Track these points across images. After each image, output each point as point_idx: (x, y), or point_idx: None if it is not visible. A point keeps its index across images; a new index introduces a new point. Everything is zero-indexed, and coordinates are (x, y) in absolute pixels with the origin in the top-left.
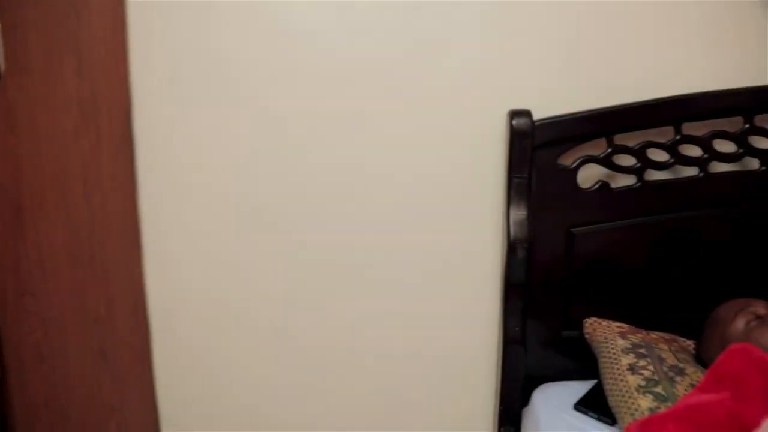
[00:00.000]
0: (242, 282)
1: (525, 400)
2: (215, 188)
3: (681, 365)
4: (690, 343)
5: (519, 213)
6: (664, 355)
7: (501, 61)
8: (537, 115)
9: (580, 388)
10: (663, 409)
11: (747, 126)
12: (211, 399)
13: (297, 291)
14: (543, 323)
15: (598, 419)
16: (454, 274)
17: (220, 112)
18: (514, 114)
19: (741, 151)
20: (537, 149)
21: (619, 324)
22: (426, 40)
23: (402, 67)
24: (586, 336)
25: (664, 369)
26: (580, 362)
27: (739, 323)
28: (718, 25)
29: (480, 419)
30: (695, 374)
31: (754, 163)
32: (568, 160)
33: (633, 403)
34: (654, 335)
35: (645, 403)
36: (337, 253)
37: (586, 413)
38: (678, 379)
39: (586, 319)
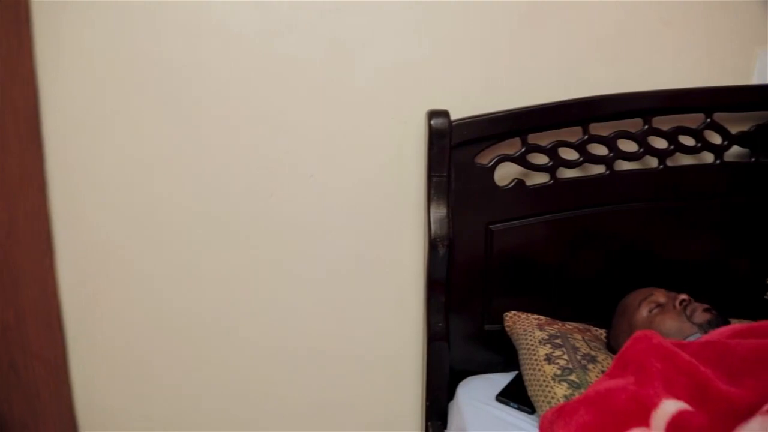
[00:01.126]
0: (161, 285)
1: (451, 395)
2: (130, 189)
3: (593, 353)
4: (602, 332)
5: (439, 211)
6: (578, 345)
7: (420, 62)
8: (455, 116)
9: (502, 380)
10: (576, 396)
11: (646, 127)
12: (133, 408)
13: (219, 292)
14: (466, 318)
15: (519, 409)
16: (379, 273)
17: (134, 112)
18: (433, 114)
19: (642, 150)
20: (455, 149)
21: (537, 316)
22: (346, 40)
23: (322, 66)
24: (507, 329)
25: (578, 357)
26: (503, 355)
27: (643, 311)
28: (623, 33)
29: (408, 415)
30: (606, 361)
31: (653, 162)
32: (485, 159)
33: (550, 392)
34: (569, 326)
35: (560, 390)
36: (260, 254)
37: (507, 404)
38: (590, 366)
39: (507, 313)
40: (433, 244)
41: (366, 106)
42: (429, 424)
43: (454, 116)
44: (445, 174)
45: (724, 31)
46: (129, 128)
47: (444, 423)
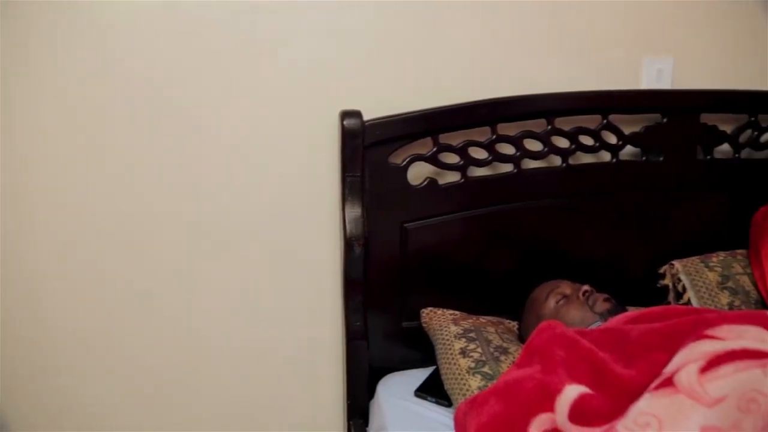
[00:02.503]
0: (72, 287)
1: (372, 392)
2: (46, 190)
3: (505, 345)
4: (515, 325)
5: (354, 211)
6: (491, 337)
7: (334, 62)
8: (369, 116)
9: (421, 376)
10: (488, 387)
11: (550, 127)
12: (46, 407)
13: (139, 292)
14: (384, 316)
15: (437, 403)
16: (297, 273)
17: (50, 113)
18: (345, 114)
19: (546, 149)
20: (368, 149)
21: (452, 312)
22: (259, 39)
23: (235, 66)
24: (424, 325)
25: (491, 350)
26: (421, 351)
27: (550, 303)
28: (527, 38)
29: (331, 414)
30: (517, 352)
31: (557, 161)
32: (398, 158)
33: (465, 384)
34: (483, 319)
35: (475, 383)
36: (175, 255)
37: (425, 398)
38: (503, 358)
39: (423, 309)
40: (348, 244)
41: (281, 105)
42: (351, 422)
43: (368, 116)
44: (358, 174)
45: (616, 39)
46: (34, 128)
47: (366, 421)
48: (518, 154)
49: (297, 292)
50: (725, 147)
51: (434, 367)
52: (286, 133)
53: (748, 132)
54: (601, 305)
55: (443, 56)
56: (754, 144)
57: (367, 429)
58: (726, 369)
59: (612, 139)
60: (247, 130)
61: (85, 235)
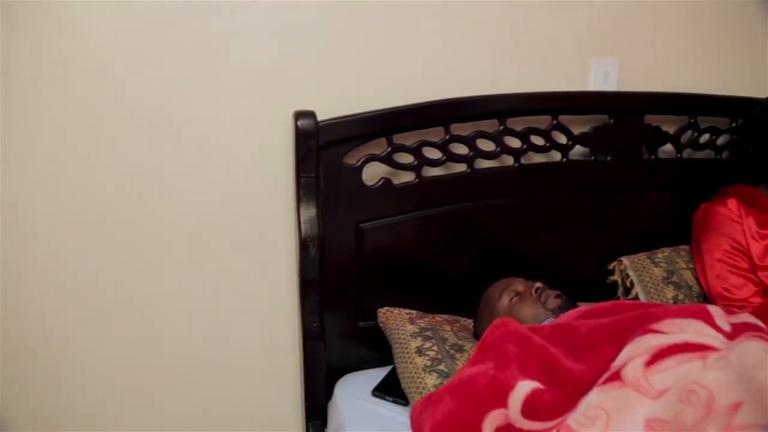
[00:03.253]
0: (30, 290)
1: (330, 393)
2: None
3: (461, 343)
4: (470, 322)
5: (309, 212)
6: (446, 336)
7: (289, 62)
8: (324, 116)
9: (378, 375)
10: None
11: (502, 128)
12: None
13: (95, 293)
14: (341, 316)
15: (394, 402)
16: (253, 274)
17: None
18: (299, 115)
19: (499, 149)
20: (323, 149)
21: (408, 311)
22: (211, 38)
23: (187, 65)
24: (381, 325)
25: (446, 348)
26: (379, 350)
27: (504, 300)
28: (477, 40)
29: (290, 415)
30: (472, 349)
31: (509, 160)
32: (353, 159)
33: (421, 383)
34: (439, 318)
35: (431, 381)
36: (136, 256)
37: (383, 398)
38: (458, 355)
39: (380, 309)
40: (304, 245)
41: (234, 105)
42: (309, 424)
43: (323, 116)
44: (313, 174)
45: (565, 42)
46: None
47: (324, 422)
48: (471, 154)
49: (253, 293)
50: (668, 147)
51: (392, 367)
52: (240, 133)
53: (689, 133)
54: (553, 302)
55: (398, 57)
56: (695, 144)
57: (325, 430)
58: (669, 362)
59: (562, 139)
60: (198, 131)
61: (46, 233)
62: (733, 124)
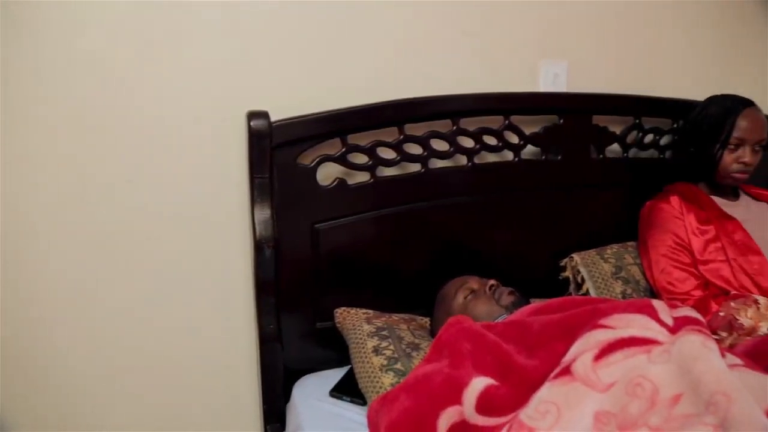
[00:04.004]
0: None
1: (289, 395)
2: None
3: (417, 341)
4: (427, 321)
5: (263, 212)
6: (403, 334)
7: (241, 62)
8: (278, 116)
9: (336, 376)
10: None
11: (455, 128)
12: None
13: (52, 294)
14: (298, 317)
15: (352, 402)
16: (208, 276)
17: None
18: (252, 115)
19: (452, 149)
20: (276, 149)
21: (365, 311)
22: (159, 38)
23: (133, 65)
24: (338, 325)
25: (403, 347)
26: (337, 351)
27: (459, 298)
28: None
29: (248, 418)
30: (428, 348)
31: (463, 160)
32: (307, 159)
33: (378, 382)
34: (395, 317)
35: (387, 380)
36: (79, 263)
37: (340, 398)
38: (414, 354)
39: (337, 309)
40: (258, 246)
41: (186, 105)
42: (268, 426)
43: (277, 117)
44: (267, 175)
45: (516, 43)
46: None
47: (283, 424)
48: (425, 154)
49: (209, 295)
50: (615, 147)
51: (349, 367)
52: (193, 133)
53: (634, 133)
54: (506, 298)
55: (352, 58)
56: (640, 144)
57: None
58: (616, 356)
59: (514, 139)
60: (151, 131)
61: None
62: (675, 125)
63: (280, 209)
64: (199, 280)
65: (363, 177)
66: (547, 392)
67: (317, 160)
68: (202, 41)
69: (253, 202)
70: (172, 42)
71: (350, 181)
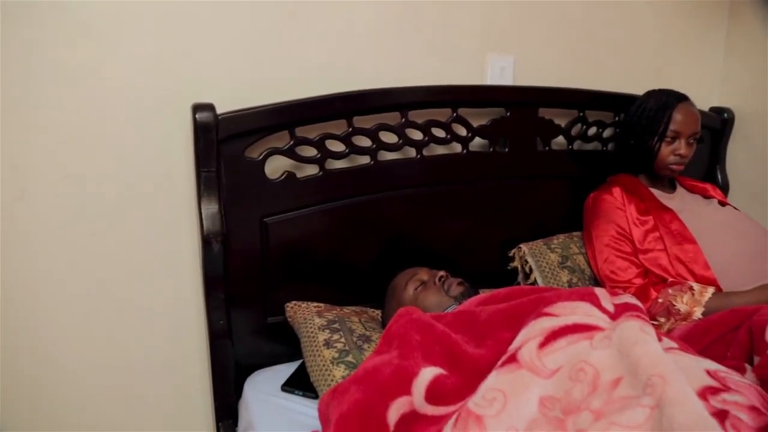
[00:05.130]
0: None
1: (241, 391)
2: None
3: (368, 333)
4: (378, 313)
5: (210, 207)
6: (354, 327)
7: (186, 54)
8: (225, 108)
9: (288, 371)
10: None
11: (404, 120)
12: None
13: None
14: (248, 312)
15: (304, 396)
16: (155, 273)
17: None
18: (197, 108)
19: (401, 141)
20: (223, 143)
21: (316, 304)
22: (101, 28)
23: (73, 56)
24: (289, 319)
25: (354, 339)
26: (288, 345)
27: (409, 290)
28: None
29: (200, 416)
30: (379, 339)
31: (412, 152)
32: (255, 152)
33: (329, 375)
34: (347, 310)
35: (339, 372)
36: (27, 257)
37: (292, 392)
38: (366, 346)
39: (288, 303)
40: (206, 241)
41: (130, 98)
42: (220, 424)
43: (224, 109)
44: (214, 169)
45: (464, 36)
46: None
47: (236, 421)
48: (374, 146)
49: (156, 291)
50: (560, 139)
51: (301, 361)
52: (138, 126)
53: (579, 126)
54: (456, 289)
55: (300, 50)
56: (584, 137)
57: (236, 429)
58: (560, 343)
59: (462, 131)
60: (93, 125)
61: None
62: (617, 119)
63: (228, 203)
64: (147, 277)
65: (312, 170)
66: (494, 380)
67: (265, 153)
68: (146, 31)
69: (199, 196)
70: (113, 32)
71: (299, 174)
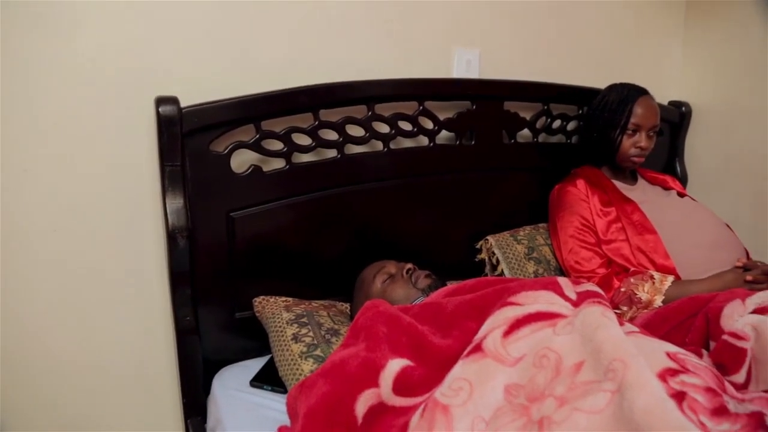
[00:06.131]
0: None
1: (210, 388)
2: None
3: (336, 327)
4: (347, 306)
5: (175, 201)
6: (322, 321)
7: (150, 46)
8: (190, 101)
9: (257, 366)
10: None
11: (370, 113)
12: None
13: None
14: (216, 308)
15: (273, 390)
16: (121, 270)
17: None
18: (161, 101)
19: (368, 135)
20: (187, 136)
21: (284, 298)
22: (63, 20)
23: (29, 47)
24: (257, 314)
25: (322, 333)
26: (257, 340)
27: (377, 283)
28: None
29: (169, 413)
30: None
31: (379, 145)
32: (220, 146)
33: (297, 369)
34: (315, 304)
35: (307, 366)
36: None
37: (261, 387)
38: (334, 340)
39: (256, 298)
40: (171, 236)
41: (91, 92)
42: (189, 421)
43: (189, 102)
44: (178, 163)
45: (430, 30)
46: None
47: (204, 418)
48: (341, 139)
49: (122, 288)
50: (526, 132)
51: (270, 356)
52: (101, 120)
53: (543, 119)
54: (423, 281)
55: (267, 42)
56: (548, 129)
57: (206, 425)
58: (524, 331)
59: (429, 124)
60: (53, 118)
61: None
62: (580, 112)
63: (193, 198)
64: (112, 274)
65: (278, 164)
66: (460, 370)
67: (231, 146)
68: (106, 21)
69: (164, 191)
70: (71, 21)
71: (266, 168)
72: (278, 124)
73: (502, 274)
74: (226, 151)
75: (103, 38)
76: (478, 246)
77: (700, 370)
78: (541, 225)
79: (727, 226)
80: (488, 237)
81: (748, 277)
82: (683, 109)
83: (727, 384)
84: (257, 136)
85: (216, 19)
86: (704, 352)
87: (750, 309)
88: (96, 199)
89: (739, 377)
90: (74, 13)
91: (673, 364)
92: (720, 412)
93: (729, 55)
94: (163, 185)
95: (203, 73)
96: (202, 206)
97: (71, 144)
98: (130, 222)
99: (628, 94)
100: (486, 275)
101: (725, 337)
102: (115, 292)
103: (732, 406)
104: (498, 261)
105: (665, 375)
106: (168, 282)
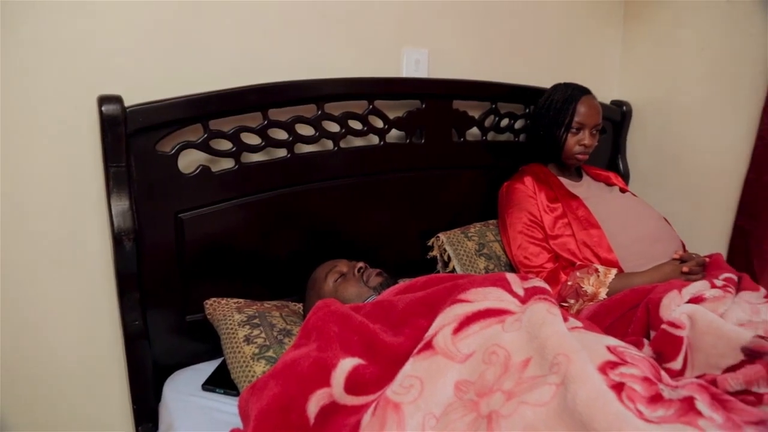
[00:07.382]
0: None
1: (161, 393)
2: None
3: (289, 327)
4: (299, 306)
5: (121, 203)
6: (275, 321)
7: (94, 41)
8: (135, 100)
9: (209, 369)
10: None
11: (320, 112)
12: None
13: None
14: (165, 311)
15: (225, 393)
16: (66, 273)
17: None
18: (103, 100)
19: (318, 134)
20: (132, 136)
21: (236, 300)
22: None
23: None
24: (208, 316)
25: (275, 334)
26: (209, 343)
27: (329, 282)
28: (292, 26)
29: (118, 420)
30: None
31: (329, 144)
32: (167, 146)
33: (250, 371)
34: (268, 304)
35: (259, 368)
36: None
37: (213, 390)
38: (286, 340)
39: (206, 301)
40: (117, 239)
41: (32, 90)
42: (139, 428)
43: (134, 101)
44: (123, 164)
45: (379, 29)
46: None
47: (156, 424)
48: (291, 139)
49: (66, 292)
50: (475, 130)
51: (222, 359)
52: (41, 119)
53: (492, 117)
54: (375, 280)
55: (215, 39)
56: (497, 128)
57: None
58: (473, 328)
59: (378, 123)
60: None
61: None
62: (527, 110)
63: (140, 199)
64: (55, 278)
65: (228, 164)
66: (411, 367)
67: (178, 146)
68: (51, 17)
69: (109, 192)
70: (14, 16)
71: (214, 168)
72: (227, 124)
73: (453, 270)
74: (173, 152)
75: (45, 34)
76: (429, 243)
77: (638, 361)
78: (491, 222)
79: (665, 219)
80: (439, 234)
81: (685, 269)
82: (624, 108)
83: (662, 373)
84: (205, 135)
85: (163, 16)
86: (645, 341)
87: (686, 299)
88: (38, 200)
89: (677, 364)
90: (14, 5)
91: (612, 357)
92: (655, 399)
93: (666, 56)
94: (107, 187)
95: (149, 71)
96: (149, 208)
97: (12, 142)
98: (75, 224)
99: (571, 93)
100: (438, 272)
101: (664, 326)
102: (60, 297)
103: (666, 393)
104: (449, 258)
105: (605, 368)
106: (115, 286)
